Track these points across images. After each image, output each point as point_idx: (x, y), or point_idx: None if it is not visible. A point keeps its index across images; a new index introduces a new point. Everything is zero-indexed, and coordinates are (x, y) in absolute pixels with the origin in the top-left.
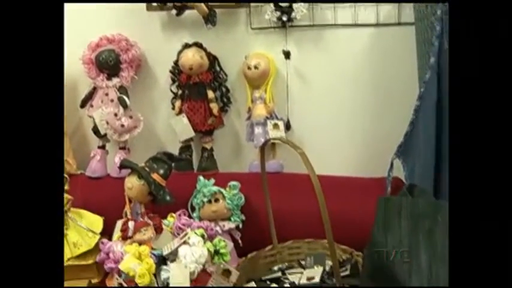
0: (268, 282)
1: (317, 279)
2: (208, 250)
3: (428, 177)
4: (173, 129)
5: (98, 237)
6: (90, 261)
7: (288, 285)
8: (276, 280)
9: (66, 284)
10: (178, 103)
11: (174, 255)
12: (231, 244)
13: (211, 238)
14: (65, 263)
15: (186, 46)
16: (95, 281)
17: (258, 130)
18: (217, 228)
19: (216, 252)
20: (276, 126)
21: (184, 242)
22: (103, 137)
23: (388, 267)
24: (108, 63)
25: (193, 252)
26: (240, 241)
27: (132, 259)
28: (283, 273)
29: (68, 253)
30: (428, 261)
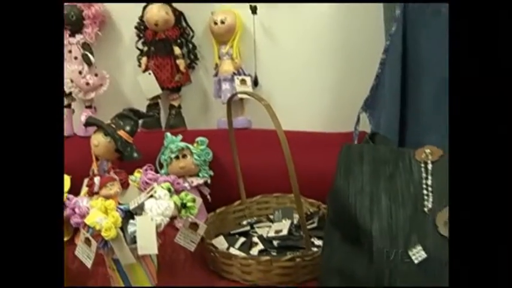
0: (236, 236)
1: (285, 232)
2: (175, 203)
3: (394, 128)
4: (140, 86)
5: (65, 195)
6: None
7: (256, 238)
8: (245, 234)
9: None
10: (144, 60)
11: (140, 209)
12: (199, 200)
13: (177, 192)
14: None
15: (151, 1)
16: (65, 239)
17: (225, 86)
18: (186, 184)
19: (183, 205)
20: (243, 81)
21: (151, 196)
22: (68, 95)
23: (350, 212)
24: (70, 18)
25: (159, 205)
26: (208, 197)
27: (97, 213)
28: (252, 227)
29: None
30: (389, 206)
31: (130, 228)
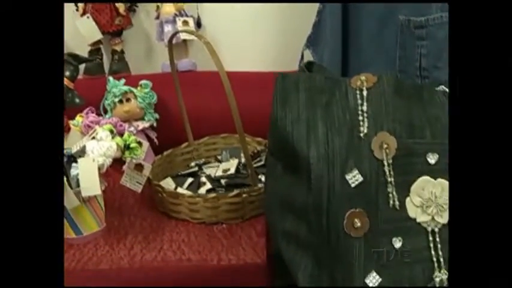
0: (184, 177)
1: (232, 171)
2: (118, 145)
3: (336, 64)
4: (79, 31)
5: None
6: None
7: (203, 178)
8: (193, 174)
9: None
10: (81, 4)
11: (83, 153)
12: (146, 143)
13: (120, 134)
14: None
15: None
16: None
17: (167, 28)
18: (132, 128)
19: (127, 147)
20: (185, 23)
21: (93, 138)
22: None
23: (288, 142)
24: None
25: (100, 146)
26: (155, 140)
27: None
28: (200, 168)
29: None
30: (326, 133)
31: (73, 172)
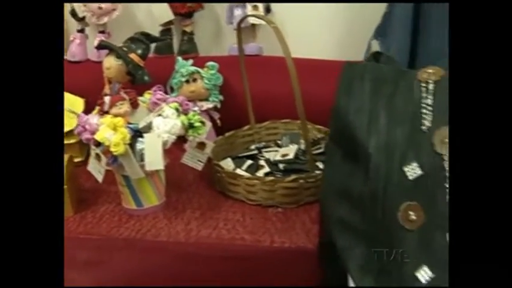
0: (244, 159)
1: (291, 156)
2: (183, 123)
3: (404, 54)
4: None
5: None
6: (72, 141)
7: (262, 161)
8: (252, 157)
9: None
10: None
11: (149, 129)
12: (209, 124)
13: (186, 112)
14: None
15: None
16: (78, 159)
17: (237, 12)
18: (196, 108)
19: (191, 125)
20: (255, 7)
21: (159, 115)
22: (81, 20)
23: (349, 130)
24: None
25: (166, 123)
26: (218, 121)
27: (106, 129)
28: (260, 152)
29: None
30: (387, 124)
31: (138, 146)
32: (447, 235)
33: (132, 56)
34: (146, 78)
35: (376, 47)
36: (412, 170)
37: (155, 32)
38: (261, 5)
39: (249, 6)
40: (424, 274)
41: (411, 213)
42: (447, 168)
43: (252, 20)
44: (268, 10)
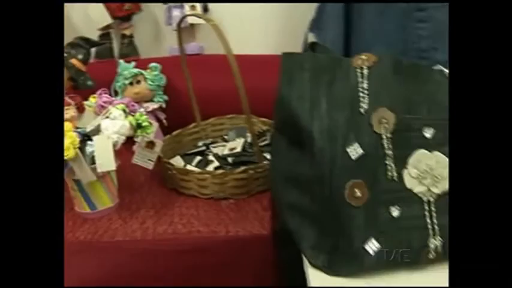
0: (193, 156)
1: (239, 149)
2: (131, 123)
3: (339, 45)
4: (90, 16)
5: None
6: None
7: (211, 157)
8: (201, 153)
9: None
10: None
11: (97, 132)
12: (156, 124)
13: (132, 113)
14: None
15: None
16: None
17: (175, 13)
18: (142, 109)
19: (139, 125)
20: (193, 7)
21: (107, 117)
22: None
23: (293, 117)
24: None
25: (114, 124)
26: (164, 121)
27: None
28: (208, 148)
29: None
30: (328, 109)
31: (88, 149)
32: (390, 208)
33: (73, 61)
34: (89, 82)
35: (312, 39)
36: (354, 150)
37: (93, 36)
38: (198, 5)
39: (186, 6)
40: (372, 246)
41: (356, 190)
42: (386, 147)
43: (191, 20)
44: (205, 9)
